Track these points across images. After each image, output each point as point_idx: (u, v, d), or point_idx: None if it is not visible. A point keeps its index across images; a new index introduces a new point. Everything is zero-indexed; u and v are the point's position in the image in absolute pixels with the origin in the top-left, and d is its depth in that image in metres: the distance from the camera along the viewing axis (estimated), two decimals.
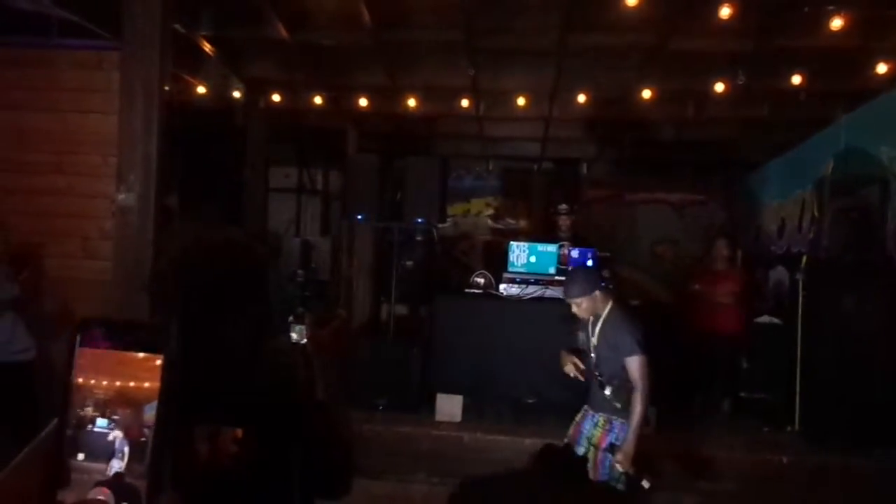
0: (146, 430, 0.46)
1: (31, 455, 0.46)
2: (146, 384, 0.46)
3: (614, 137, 7.76)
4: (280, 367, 1.36)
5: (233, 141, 6.92)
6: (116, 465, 0.45)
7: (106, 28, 4.78)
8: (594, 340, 3.61)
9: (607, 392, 3.51)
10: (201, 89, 6.09)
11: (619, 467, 3.33)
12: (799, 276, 5.64)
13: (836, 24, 4.06)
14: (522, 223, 9.69)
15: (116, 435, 0.46)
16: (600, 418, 3.61)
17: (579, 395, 5.52)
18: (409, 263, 6.22)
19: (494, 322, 5.66)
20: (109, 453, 0.46)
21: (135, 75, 4.12)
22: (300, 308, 1.42)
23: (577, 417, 3.75)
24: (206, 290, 0.80)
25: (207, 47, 5.57)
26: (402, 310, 5.82)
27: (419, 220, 5.87)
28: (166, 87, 4.56)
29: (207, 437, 1.15)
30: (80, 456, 0.45)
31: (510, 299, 5.70)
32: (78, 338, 0.46)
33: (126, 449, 0.46)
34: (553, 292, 5.73)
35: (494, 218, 9.91)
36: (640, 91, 5.62)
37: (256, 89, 6.47)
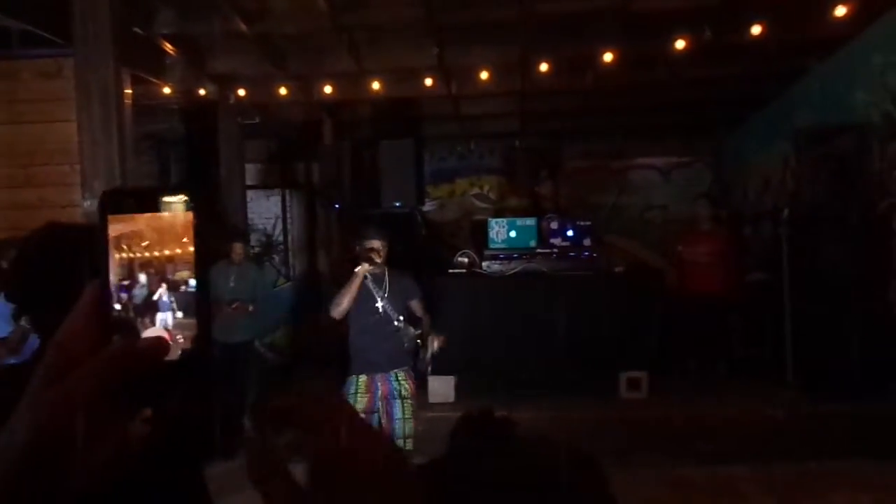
0: (188, 282, 0.49)
1: (79, 319, 0.48)
2: (180, 243, 0.49)
3: (591, 106, 7.67)
4: None
5: (206, 140, 6.88)
6: (165, 318, 0.49)
7: (62, 35, 4.72)
8: (385, 292, 3.87)
9: (403, 327, 3.88)
10: (167, 90, 6.02)
11: (436, 344, 3.87)
12: (782, 231, 5.61)
13: None
14: (508, 200, 9.63)
15: (161, 290, 0.49)
16: (400, 372, 3.89)
17: (573, 367, 5.55)
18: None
19: (481, 300, 5.65)
20: (156, 308, 0.49)
21: (90, 80, 4.06)
22: None
23: (361, 388, 3.83)
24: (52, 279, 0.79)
25: (168, 47, 5.50)
26: None
27: (397, 204, 5.84)
28: (127, 90, 4.51)
29: (143, 420, 1.13)
30: (135, 316, 0.49)
31: (493, 276, 5.68)
32: (106, 207, 0.49)
33: (173, 303, 0.49)
34: (536, 265, 5.72)
35: (479, 197, 9.85)
36: (604, 56, 5.53)
37: (224, 86, 6.40)
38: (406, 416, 3.87)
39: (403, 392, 3.88)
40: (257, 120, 7.73)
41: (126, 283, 0.49)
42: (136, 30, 5.03)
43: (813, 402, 5.20)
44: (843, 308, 5.06)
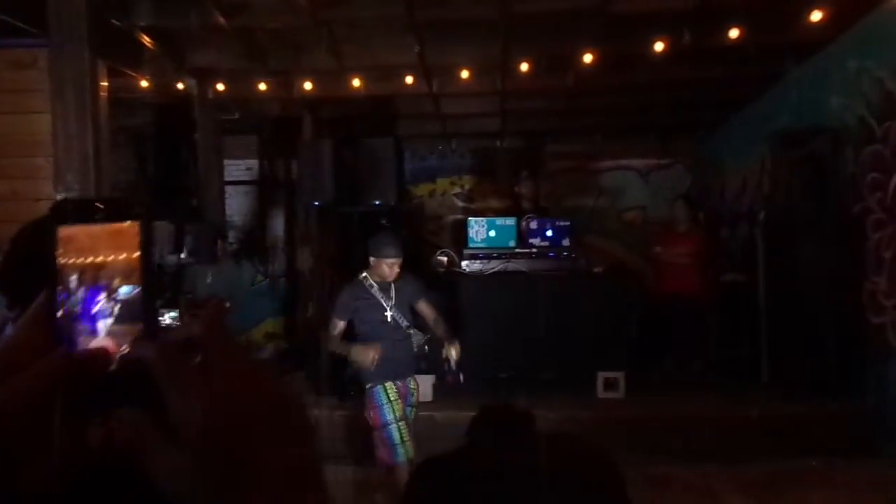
0: (132, 291, 0.49)
1: (27, 325, 0.49)
2: (126, 251, 0.49)
3: (571, 107, 7.70)
4: None
5: (185, 135, 6.80)
6: (106, 326, 0.49)
7: (37, 25, 4.64)
8: (393, 300, 3.79)
9: (413, 333, 3.84)
10: (145, 83, 5.95)
11: (454, 354, 3.78)
12: (758, 232, 5.68)
13: None
14: (489, 200, 9.65)
15: (101, 298, 0.49)
16: (412, 380, 3.90)
17: (551, 367, 5.56)
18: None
19: (460, 299, 5.64)
20: (100, 316, 0.50)
21: (64, 71, 4.00)
22: (169, 293, 1.38)
23: (392, 396, 3.74)
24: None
25: (147, 40, 5.43)
26: None
27: (377, 203, 5.82)
28: (103, 83, 4.44)
29: (99, 423, 1.09)
30: (77, 324, 0.49)
31: (473, 275, 5.69)
32: (54, 218, 0.49)
33: (116, 310, 0.49)
34: (515, 265, 5.73)
35: (460, 196, 9.86)
36: (584, 57, 5.56)
37: (203, 80, 6.33)
38: (411, 424, 3.85)
39: (414, 400, 3.90)
40: (237, 115, 7.67)
41: (63, 289, 0.49)
42: (114, 21, 4.96)
43: (787, 402, 5.26)
44: (817, 309, 5.13)
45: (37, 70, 5.01)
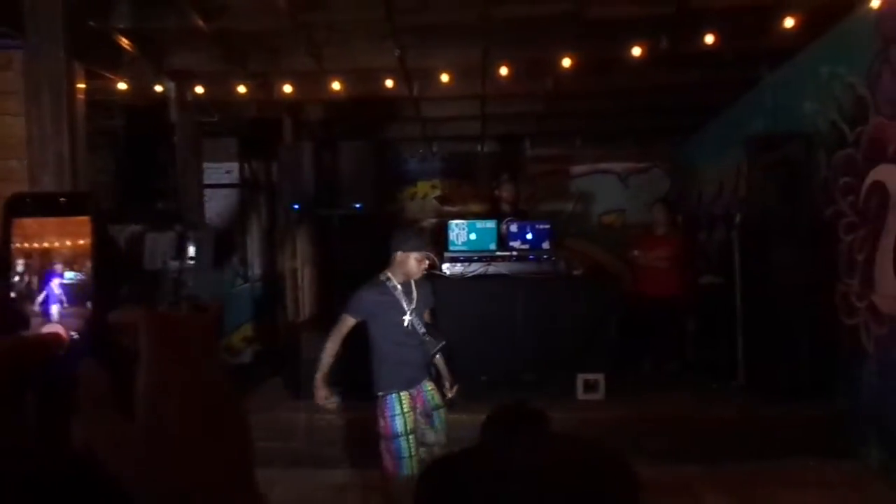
0: (83, 278, 0.52)
1: None
2: (79, 242, 0.52)
3: (551, 111, 7.76)
4: None
5: (164, 138, 6.75)
6: (57, 310, 0.52)
7: (13, 26, 4.58)
8: (414, 303, 3.67)
9: (428, 340, 3.70)
10: (123, 86, 5.90)
11: (453, 395, 3.77)
12: (734, 235, 5.75)
13: None
14: (470, 203, 9.68)
15: (53, 283, 0.52)
16: (427, 384, 3.75)
17: (531, 369, 5.57)
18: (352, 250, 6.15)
19: (441, 302, 5.64)
20: (51, 301, 0.53)
21: (40, 73, 3.95)
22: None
23: (405, 407, 3.58)
24: None
25: (125, 42, 5.39)
26: None
27: (357, 206, 5.81)
28: (80, 85, 4.40)
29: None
30: (30, 308, 0.52)
31: (453, 278, 5.70)
32: (9, 209, 0.52)
33: (64, 294, 0.52)
34: (496, 268, 5.76)
35: (441, 199, 9.89)
36: (563, 61, 5.61)
37: (182, 83, 6.30)
38: (443, 428, 3.73)
39: (437, 401, 3.74)
40: (216, 118, 7.62)
41: (15, 274, 0.51)
42: (91, 23, 4.91)
43: (763, 403, 5.33)
44: (791, 310, 5.21)
45: (11, 72, 4.96)
